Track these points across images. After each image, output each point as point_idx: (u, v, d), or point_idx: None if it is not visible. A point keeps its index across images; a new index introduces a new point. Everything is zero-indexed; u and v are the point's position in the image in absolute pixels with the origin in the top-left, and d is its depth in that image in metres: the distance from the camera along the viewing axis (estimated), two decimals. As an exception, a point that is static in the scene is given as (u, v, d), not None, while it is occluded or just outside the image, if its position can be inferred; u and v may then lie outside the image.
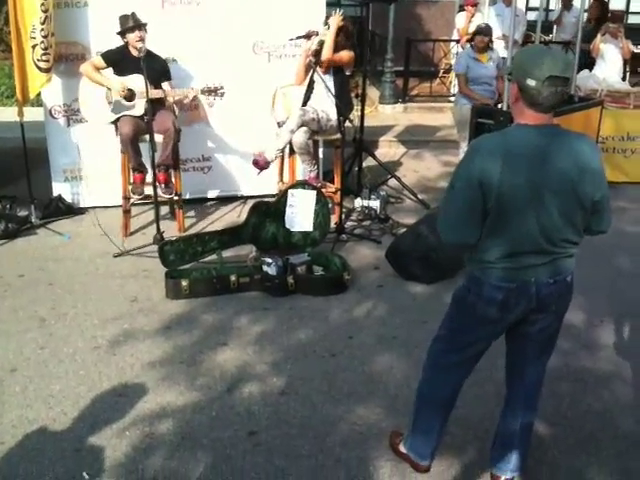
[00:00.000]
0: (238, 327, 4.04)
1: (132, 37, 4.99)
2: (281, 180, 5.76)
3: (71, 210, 5.79)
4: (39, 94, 5.62)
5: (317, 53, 5.27)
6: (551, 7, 13.26)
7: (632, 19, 14.12)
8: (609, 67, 7.50)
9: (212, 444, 3.03)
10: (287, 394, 3.41)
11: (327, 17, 5.42)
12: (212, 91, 5.13)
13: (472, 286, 2.51)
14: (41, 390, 3.38)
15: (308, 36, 5.32)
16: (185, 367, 3.62)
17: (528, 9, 11.27)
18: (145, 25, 5.03)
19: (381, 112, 9.95)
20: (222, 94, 5.15)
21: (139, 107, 5.08)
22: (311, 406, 3.32)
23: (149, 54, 5.08)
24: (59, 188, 5.84)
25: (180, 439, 3.06)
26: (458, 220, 2.37)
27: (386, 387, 3.50)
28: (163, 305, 4.30)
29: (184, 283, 4.33)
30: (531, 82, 2.25)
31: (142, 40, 4.98)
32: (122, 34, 5.04)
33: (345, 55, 5.36)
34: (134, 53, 4.98)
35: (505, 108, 5.97)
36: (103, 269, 4.81)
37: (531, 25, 10.29)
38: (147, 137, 4.95)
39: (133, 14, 5.00)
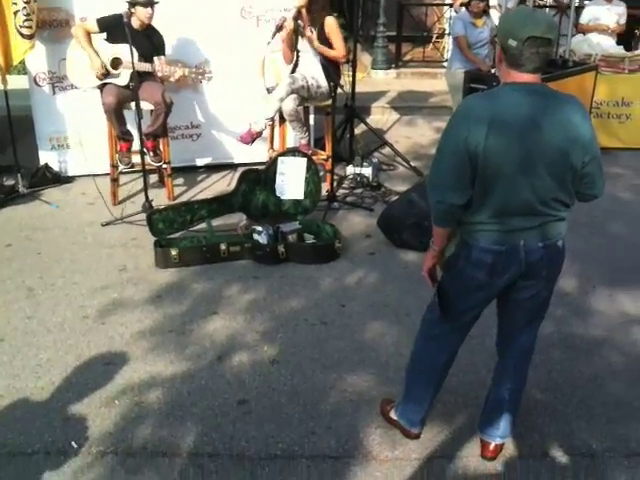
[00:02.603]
0: (228, 296, 4.01)
1: (142, 12, 4.89)
2: (272, 148, 5.68)
3: (58, 179, 5.71)
4: (23, 61, 5.49)
5: (297, 19, 5.12)
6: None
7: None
8: (604, 31, 7.39)
9: (202, 413, 3.01)
10: (278, 362, 3.39)
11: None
12: (200, 74, 5.04)
13: (462, 251, 2.49)
14: (29, 360, 3.34)
15: (280, 27, 5.13)
16: (175, 336, 3.59)
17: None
18: (157, 2, 4.93)
19: (374, 78, 9.83)
20: (209, 78, 5.07)
21: (124, 77, 4.96)
22: (302, 374, 3.30)
23: (149, 26, 4.99)
24: (46, 157, 5.74)
25: (170, 408, 3.04)
26: (445, 182, 2.33)
27: (377, 355, 3.48)
28: (152, 274, 4.25)
29: (173, 252, 4.28)
30: (512, 42, 2.23)
31: (150, 17, 4.91)
32: (132, 4, 4.89)
33: (334, 53, 5.19)
34: (135, 25, 4.89)
35: (498, 73, 5.90)
36: (91, 238, 4.76)
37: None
38: (133, 105, 4.86)
39: None
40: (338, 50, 5.19)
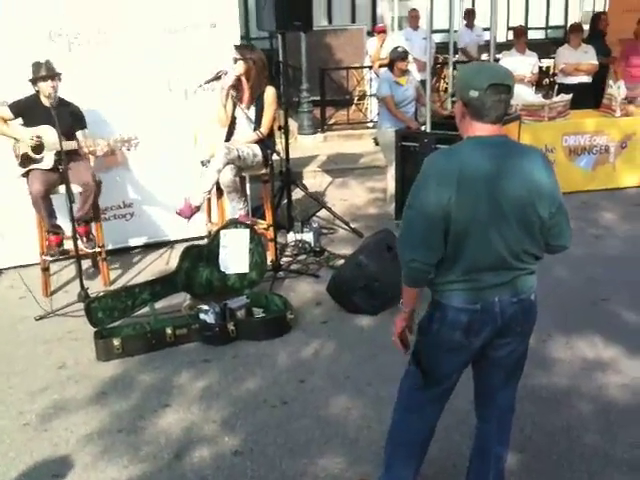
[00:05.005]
0: (180, 385, 3.76)
1: (44, 86, 4.69)
2: (210, 221, 5.53)
3: (-17, 273, 5.38)
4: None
5: (235, 87, 5.12)
6: (455, 28, 13.65)
7: (531, 34, 14.76)
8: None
9: (165, 520, 2.76)
10: (241, 453, 3.16)
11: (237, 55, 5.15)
12: (125, 141, 4.89)
13: (435, 312, 2.41)
14: (-36, 483, 3.02)
15: (218, 77, 5.13)
16: (126, 436, 3.31)
17: (433, 31, 11.53)
18: (59, 74, 4.75)
19: (301, 143, 9.86)
20: (136, 144, 4.91)
21: (48, 159, 4.76)
22: (268, 463, 3.09)
23: (62, 102, 4.81)
24: (-33, 251, 5.40)
25: (129, 519, 2.77)
26: (419, 241, 2.27)
27: (345, 431, 3.31)
28: (94, 369, 3.97)
29: (116, 342, 4.02)
30: (474, 93, 2.24)
31: (55, 90, 4.69)
32: (34, 82, 4.74)
33: (272, 119, 5.24)
34: (45, 102, 4.70)
35: (428, 130, 5.99)
36: (25, 335, 4.44)
37: (437, 47, 10.59)
38: (62, 188, 4.66)
39: (47, 62, 4.71)
40: (264, 126, 5.16)
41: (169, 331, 4.14)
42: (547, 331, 4.22)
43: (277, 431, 3.31)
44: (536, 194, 2.25)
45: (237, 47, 5.22)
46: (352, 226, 6.20)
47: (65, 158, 4.56)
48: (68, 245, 4.91)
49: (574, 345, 4.09)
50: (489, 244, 2.24)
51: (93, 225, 5.07)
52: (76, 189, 4.84)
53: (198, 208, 5.02)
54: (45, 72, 4.70)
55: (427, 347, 2.46)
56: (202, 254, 4.58)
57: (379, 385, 3.64)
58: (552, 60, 10.42)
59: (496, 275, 2.30)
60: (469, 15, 10.86)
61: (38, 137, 4.73)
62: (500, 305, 2.33)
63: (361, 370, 3.86)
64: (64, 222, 4.96)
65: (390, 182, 6.51)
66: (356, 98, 11.24)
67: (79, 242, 4.84)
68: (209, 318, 4.28)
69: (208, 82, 5.15)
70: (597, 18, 9.33)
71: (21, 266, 5.36)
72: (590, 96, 8.10)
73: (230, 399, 3.60)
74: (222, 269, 4.61)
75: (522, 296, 2.36)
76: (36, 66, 4.73)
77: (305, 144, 9.82)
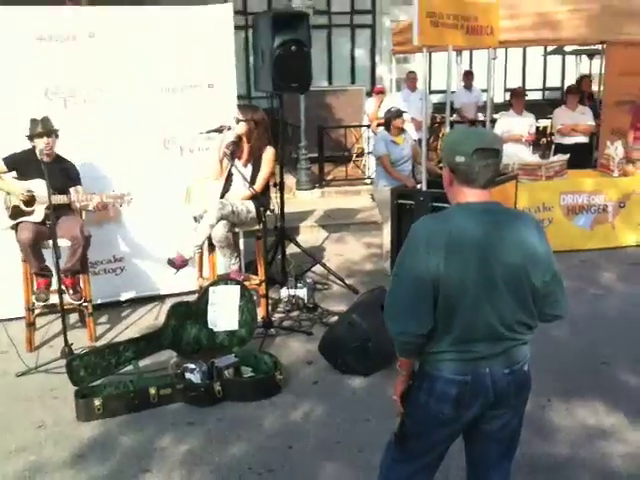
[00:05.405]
0: (162, 448, 3.58)
1: (40, 143, 4.68)
2: (201, 276, 5.42)
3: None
4: None
5: (234, 145, 5.09)
6: (452, 89, 13.86)
7: (528, 95, 14.97)
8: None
9: None
10: (222, 525, 2.98)
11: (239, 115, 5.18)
12: (118, 197, 4.84)
13: (423, 382, 2.27)
14: None
15: (220, 130, 5.13)
16: (101, 504, 3.13)
17: (430, 92, 11.69)
18: (56, 131, 4.75)
19: (299, 198, 9.85)
20: (129, 200, 4.86)
21: (38, 213, 4.71)
22: (251, 536, 2.90)
23: (58, 159, 4.80)
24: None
25: None
26: (405, 311, 2.15)
27: (333, 503, 3.12)
28: (74, 429, 3.79)
29: (97, 402, 3.85)
30: (460, 158, 2.16)
31: (50, 147, 4.69)
32: (30, 138, 4.73)
33: (268, 177, 5.26)
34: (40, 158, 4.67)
35: (424, 188, 5.94)
36: (5, 392, 4.26)
37: (435, 107, 10.75)
38: (50, 242, 4.57)
39: (44, 119, 4.71)
40: (258, 184, 5.13)
41: (153, 391, 3.97)
42: (546, 396, 4.05)
43: (261, 501, 3.13)
44: (530, 262, 2.16)
45: (240, 107, 5.25)
46: (347, 282, 6.09)
47: (53, 214, 4.49)
48: (54, 299, 4.79)
49: (575, 411, 3.91)
50: (480, 314, 2.14)
51: (80, 277, 4.96)
52: (65, 243, 4.76)
53: (187, 262, 4.94)
54: (41, 129, 4.69)
55: (414, 418, 2.31)
56: (190, 311, 4.45)
57: (371, 452, 3.45)
58: (549, 120, 10.51)
59: (488, 346, 2.19)
60: (467, 77, 11.10)
61: (29, 191, 4.69)
62: (491, 377, 2.21)
63: (353, 435, 3.68)
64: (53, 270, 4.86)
65: (386, 239, 6.43)
66: (354, 155, 11.30)
67: (65, 295, 4.73)
68: (195, 377, 4.11)
69: (209, 132, 5.20)
70: (581, 80, 9.62)
71: (6, 320, 5.21)
72: (587, 156, 8.11)
73: (213, 465, 3.41)
74: (210, 326, 4.47)
75: (514, 367, 2.24)
76: (33, 122, 4.74)
77: (302, 199, 9.82)
